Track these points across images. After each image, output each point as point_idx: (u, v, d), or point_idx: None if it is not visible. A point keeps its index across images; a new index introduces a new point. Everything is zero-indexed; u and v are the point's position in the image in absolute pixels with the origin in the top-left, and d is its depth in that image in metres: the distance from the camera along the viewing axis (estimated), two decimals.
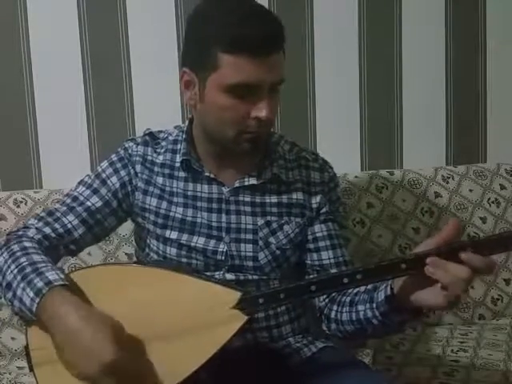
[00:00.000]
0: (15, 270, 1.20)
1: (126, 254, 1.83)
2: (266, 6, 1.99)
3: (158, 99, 2.02)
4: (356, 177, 1.98)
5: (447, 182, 2.01)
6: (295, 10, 2.06)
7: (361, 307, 1.25)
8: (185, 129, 1.41)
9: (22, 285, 1.17)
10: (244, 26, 1.21)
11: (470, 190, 2.02)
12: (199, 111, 1.32)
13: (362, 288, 1.26)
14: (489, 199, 2.02)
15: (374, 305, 1.21)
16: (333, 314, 1.34)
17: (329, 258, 1.41)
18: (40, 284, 1.15)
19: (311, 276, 1.41)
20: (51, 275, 1.17)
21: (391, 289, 1.15)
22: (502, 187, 2.03)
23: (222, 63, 1.22)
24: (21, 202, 1.84)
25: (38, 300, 1.14)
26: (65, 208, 1.37)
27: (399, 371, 1.64)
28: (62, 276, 1.18)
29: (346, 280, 1.11)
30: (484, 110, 2.21)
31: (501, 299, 1.97)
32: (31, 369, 1.22)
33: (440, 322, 1.94)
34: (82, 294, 1.18)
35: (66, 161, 2.00)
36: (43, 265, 1.20)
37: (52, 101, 1.97)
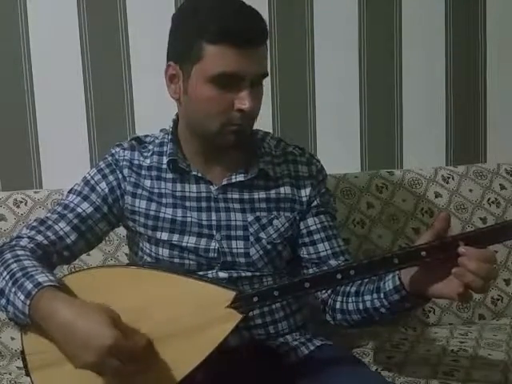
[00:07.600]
0: (7, 277, 1.21)
1: (125, 254, 1.83)
2: (266, 5, 2.00)
3: (158, 99, 2.00)
4: (356, 177, 1.98)
5: (447, 182, 2.01)
6: (295, 9, 2.06)
7: (367, 297, 1.27)
8: (170, 130, 1.42)
9: (13, 289, 1.18)
10: (229, 17, 1.26)
11: (470, 190, 2.01)
12: (183, 104, 1.35)
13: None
14: (489, 199, 2.01)
15: (382, 294, 1.23)
16: (338, 305, 1.36)
17: (325, 250, 1.42)
18: (30, 286, 1.16)
19: (305, 272, 1.42)
20: (41, 277, 1.17)
21: (399, 278, 1.17)
22: (502, 187, 2.03)
23: (207, 53, 1.25)
24: (21, 202, 1.84)
25: (28, 302, 1.14)
26: (56, 216, 1.38)
27: (399, 371, 1.63)
28: (52, 278, 1.18)
29: (339, 276, 1.12)
30: (484, 110, 2.21)
31: (501, 299, 1.96)
32: (27, 373, 1.23)
33: (440, 322, 1.93)
34: (75, 294, 1.18)
35: (66, 161, 2.00)
36: (33, 269, 1.21)
37: (52, 101, 1.97)
